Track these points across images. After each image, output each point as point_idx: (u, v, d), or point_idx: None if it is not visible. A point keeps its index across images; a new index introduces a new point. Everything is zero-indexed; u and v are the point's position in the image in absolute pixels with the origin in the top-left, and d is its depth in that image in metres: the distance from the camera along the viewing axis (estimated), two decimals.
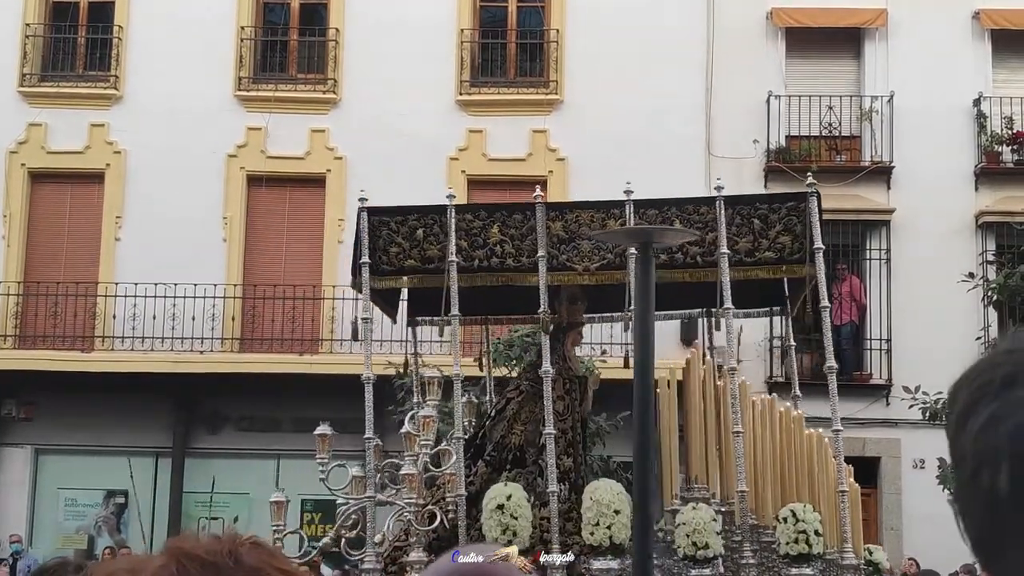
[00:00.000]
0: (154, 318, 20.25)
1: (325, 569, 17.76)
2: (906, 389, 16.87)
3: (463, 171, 20.95)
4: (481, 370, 12.61)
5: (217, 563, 1.41)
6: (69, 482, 21.14)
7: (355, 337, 10.76)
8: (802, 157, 20.77)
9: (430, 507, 9.55)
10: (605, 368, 12.73)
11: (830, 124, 21.17)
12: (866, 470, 17.82)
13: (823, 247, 9.82)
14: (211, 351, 20.45)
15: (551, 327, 10.02)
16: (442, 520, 9.42)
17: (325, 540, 10.33)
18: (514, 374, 13.38)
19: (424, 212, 10.48)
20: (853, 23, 21.33)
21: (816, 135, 21.09)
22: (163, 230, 20.59)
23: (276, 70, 21.91)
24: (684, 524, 9.10)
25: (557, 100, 21.30)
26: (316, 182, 21.39)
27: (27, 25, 21.71)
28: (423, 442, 9.55)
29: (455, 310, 9.82)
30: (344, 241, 20.85)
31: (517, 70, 21.79)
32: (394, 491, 9.55)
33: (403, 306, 11.74)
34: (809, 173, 10.97)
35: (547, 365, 9.74)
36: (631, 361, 10.72)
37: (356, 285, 10.34)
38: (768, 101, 20.91)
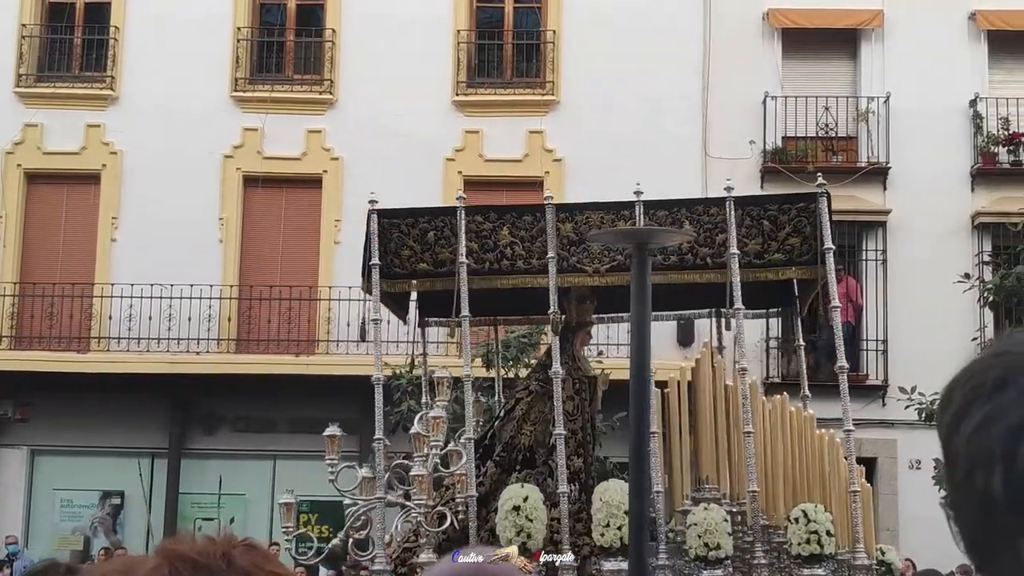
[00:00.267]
0: (150, 319, 20.24)
1: (322, 571, 17.76)
2: (902, 390, 16.89)
3: (459, 172, 20.95)
4: (487, 371, 12.61)
5: (210, 565, 1.41)
6: (65, 483, 21.12)
7: (363, 338, 10.75)
8: (798, 158, 20.79)
9: (439, 508, 9.52)
10: (601, 368, 12.73)
11: (826, 125, 21.18)
12: None
13: (833, 247, 9.84)
14: (207, 352, 20.44)
15: (560, 327, 9.98)
16: (452, 521, 9.39)
17: (335, 541, 10.29)
18: (510, 375, 13.40)
19: (434, 214, 10.49)
20: (849, 24, 21.35)
21: (812, 136, 21.11)
22: (159, 231, 20.57)
23: (272, 71, 21.91)
24: (696, 525, 9.09)
25: (554, 101, 21.30)
26: (312, 183, 21.38)
27: (23, 26, 21.70)
28: (433, 443, 9.53)
29: (465, 312, 9.81)
30: (341, 242, 20.86)
31: (514, 71, 21.79)
32: (401, 492, 9.52)
33: (411, 307, 11.69)
34: (819, 175, 10.94)
35: (557, 366, 9.73)
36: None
37: (367, 287, 10.28)
38: (764, 102, 20.92)
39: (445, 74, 21.37)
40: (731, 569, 9.24)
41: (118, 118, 21.35)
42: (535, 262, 9.94)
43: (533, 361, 16.36)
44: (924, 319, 19.92)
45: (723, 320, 10.91)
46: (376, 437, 9.73)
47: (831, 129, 21.18)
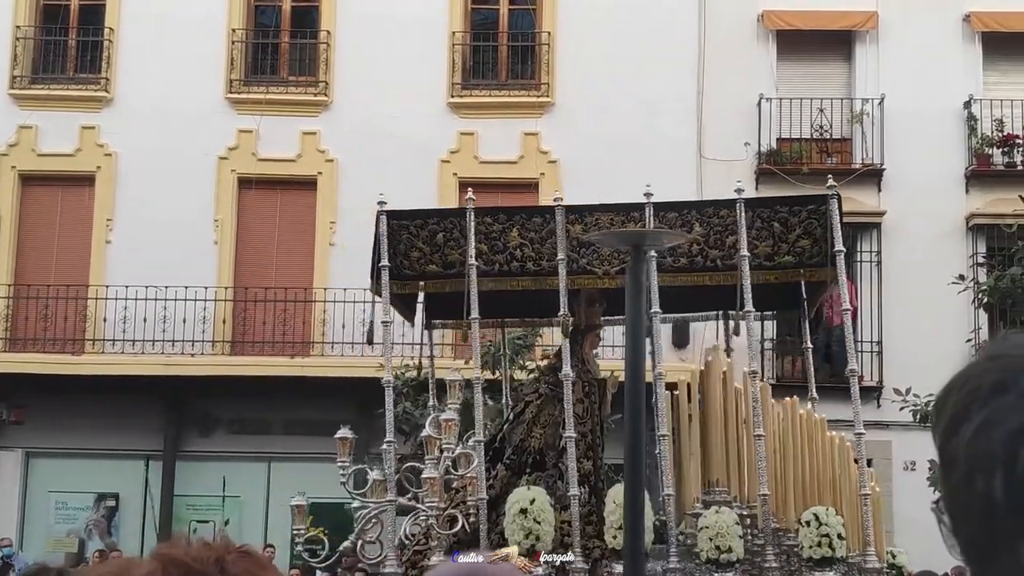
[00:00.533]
0: (145, 321, 20.22)
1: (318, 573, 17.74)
2: (897, 391, 16.88)
3: (455, 173, 20.96)
4: (493, 373, 12.59)
5: (203, 571, 1.41)
6: (60, 485, 21.09)
7: (370, 340, 10.70)
8: (793, 159, 20.82)
9: (450, 511, 9.51)
10: (610, 371, 12.71)
11: (821, 126, 21.20)
12: None
13: (844, 250, 9.82)
14: (202, 354, 20.42)
15: (570, 330, 9.96)
16: (463, 524, 9.37)
17: (346, 544, 10.27)
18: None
19: (444, 216, 10.49)
20: (844, 26, 21.38)
21: (807, 137, 21.13)
22: (154, 232, 20.55)
23: (267, 72, 21.90)
24: (707, 528, 9.09)
25: (548, 103, 21.30)
26: (307, 184, 21.36)
27: (18, 27, 21.68)
28: (445, 445, 9.51)
29: (475, 314, 9.78)
30: (336, 244, 20.87)
31: (509, 72, 21.80)
32: (411, 494, 9.50)
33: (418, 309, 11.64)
34: (830, 177, 10.93)
35: (568, 368, 9.70)
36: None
37: (376, 289, 10.24)
38: (759, 103, 20.94)
39: (440, 76, 21.37)
40: (742, 572, 9.23)
41: (113, 120, 21.33)
42: (545, 264, 9.92)
43: (529, 363, 16.38)
44: (919, 321, 19.94)
45: (730, 322, 10.91)
46: (387, 440, 9.70)
47: (826, 131, 21.21)
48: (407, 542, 9.82)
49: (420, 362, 11.47)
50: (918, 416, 16.02)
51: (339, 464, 9.53)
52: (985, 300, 17.26)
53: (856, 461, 9.45)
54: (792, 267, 9.92)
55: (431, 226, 10.22)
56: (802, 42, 21.35)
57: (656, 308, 9.56)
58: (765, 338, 20.01)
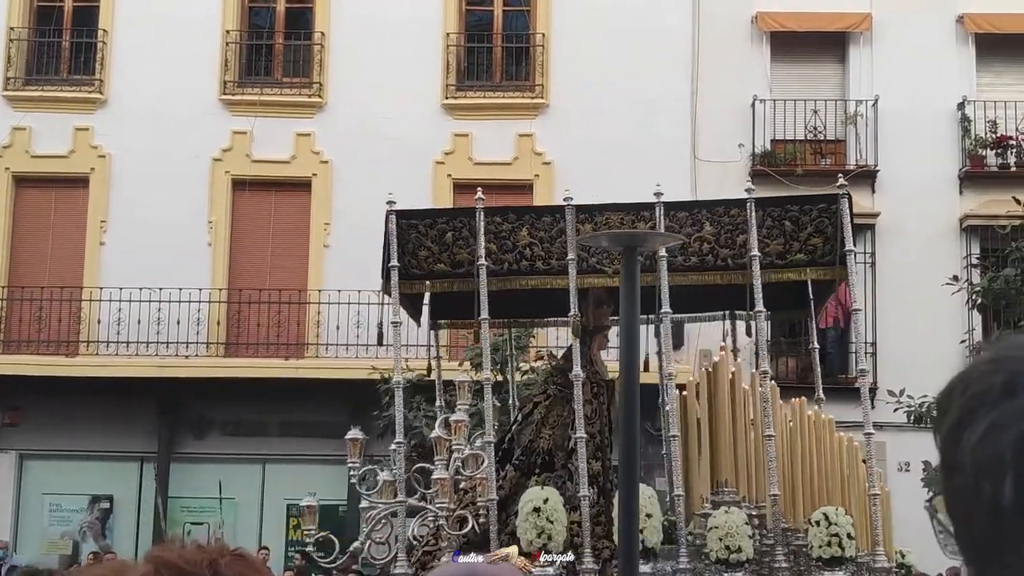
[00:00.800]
0: (139, 322, 20.21)
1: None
2: (891, 392, 16.90)
3: (449, 175, 20.97)
4: (500, 375, 12.57)
5: (197, 574, 1.41)
6: (54, 487, 21.06)
7: (380, 341, 10.65)
8: (787, 161, 20.84)
9: (460, 512, 9.50)
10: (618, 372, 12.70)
11: (815, 128, 21.23)
12: None
13: (855, 249, 9.84)
14: (196, 355, 20.41)
15: (579, 330, 9.95)
16: (473, 524, 9.37)
17: (356, 544, 10.25)
18: (499, 378, 13.37)
19: (453, 215, 10.48)
20: (838, 27, 21.40)
21: (801, 139, 21.16)
22: (148, 234, 20.54)
23: (261, 74, 21.88)
24: (716, 528, 9.10)
25: (543, 104, 21.31)
26: (301, 186, 21.35)
27: (11, 29, 21.65)
28: (456, 446, 9.49)
29: (484, 314, 9.77)
30: (330, 245, 20.87)
31: (503, 74, 21.80)
32: (419, 495, 9.49)
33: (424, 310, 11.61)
34: (841, 176, 10.97)
35: (578, 369, 9.69)
36: (651, 364, 10.77)
37: (386, 289, 10.22)
38: (753, 105, 20.97)
39: (434, 77, 21.37)
40: (752, 572, 9.23)
41: (106, 121, 21.30)
42: (554, 263, 9.90)
43: (523, 364, 16.38)
44: (913, 322, 19.96)
45: (735, 322, 10.91)
46: (397, 440, 9.67)
47: (820, 132, 21.24)
48: (415, 543, 9.82)
49: (429, 363, 11.41)
50: (912, 417, 16.05)
51: (349, 464, 9.48)
52: (979, 301, 17.29)
53: (864, 461, 9.47)
54: (804, 265, 9.90)
55: (440, 225, 10.19)
56: (796, 43, 21.38)
57: (666, 308, 9.58)
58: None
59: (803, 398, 10.31)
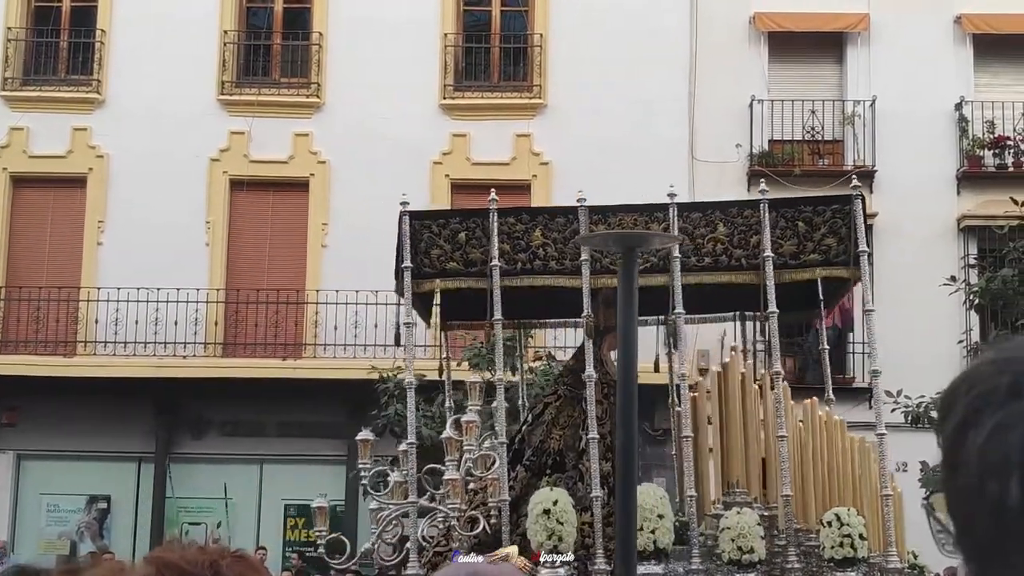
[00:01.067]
0: (136, 323, 20.20)
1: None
2: (888, 393, 16.90)
3: (447, 175, 20.97)
4: (513, 375, 12.57)
5: (198, 575, 1.42)
6: (52, 487, 21.06)
7: (397, 342, 10.64)
8: (785, 161, 20.85)
9: (471, 512, 9.49)
10: None
11: (813, 128, 21.24)
12: None
13: (868, 250, 9.87)
14: (194, 356, 20.40)
15: (592, 331, 9.95)
16: (484, 525, 9.36)
17: (366, 546, 10.24)
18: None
19: (466, 215, 10.46)
20: (836, 28, 21.41)
21: (799, 139, 21.17)
22: (145, 234, 20.53)
23: (259, 74, 21.87)
24: (729, 528, 9.11)
25: (541, 104, 21.31)
26: (299, 186, 21.35)
27: (9, 29, 21.65)
28: (467, 447, 9.48)
29: (498, 314, 9.77)
30: (328, 245, 20.87)
31: (501, 74, 21.80)
32: (428, 495, 9.48)
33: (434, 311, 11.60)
34: (855, 179, 10.97)
35: (590, 369, 9.67)
36: (661, 364, 10.79)
37: (399, 290, 10.22)
38: (751, 105, 20.97)
39: (432, 77, 21.37)
40: (764, 573, 9.24)
41: (104, 121, 21.30)
42: (568, 263, 9.92)
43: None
44: (910, 322, 19.95)
45: (744, 323, 10.92)
46: (408, 441, 9.65)
47: (817, 132, 21.25)
48: (425, 544, 9.82)
49: (441, 363, 11.41)
50: (909, 418, 16.05)
51: (360, 465, 9.47)
52: (976, 301, 17.30)
53: (876, 462, 9.48)
54: (818, 265, 9.91)
55: (453, 225, 10.21)
56: (794, 44, 21.39)
57: (680, 309, 9.59)
58: (757, 339, 20.02)
59: (815, 399, 10.33)
